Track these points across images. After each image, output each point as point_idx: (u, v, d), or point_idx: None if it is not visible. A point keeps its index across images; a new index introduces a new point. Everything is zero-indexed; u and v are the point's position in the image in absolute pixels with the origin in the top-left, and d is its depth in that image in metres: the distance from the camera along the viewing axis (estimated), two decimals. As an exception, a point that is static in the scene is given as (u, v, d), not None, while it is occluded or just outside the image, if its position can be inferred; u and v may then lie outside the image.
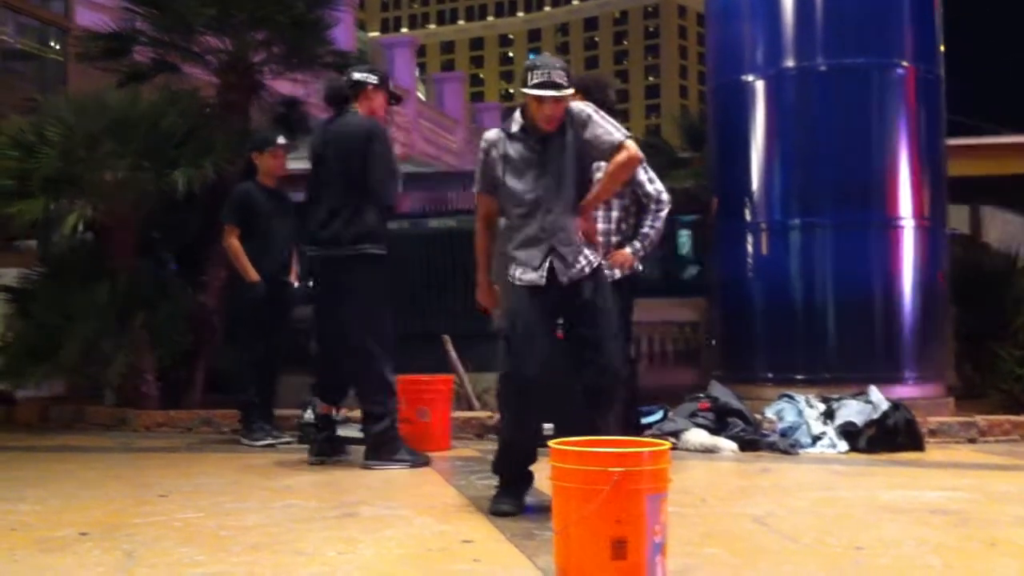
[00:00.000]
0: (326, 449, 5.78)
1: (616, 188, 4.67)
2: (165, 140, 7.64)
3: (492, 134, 4.44)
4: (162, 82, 8.58)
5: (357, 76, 5.82)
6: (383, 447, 5.55)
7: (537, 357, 4.17)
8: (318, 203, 5.65)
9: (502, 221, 4.48)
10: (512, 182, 4.32)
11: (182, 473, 5.45)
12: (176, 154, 7.58)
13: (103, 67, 8.75)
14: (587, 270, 4.30)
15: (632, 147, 4.30)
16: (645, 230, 5.82)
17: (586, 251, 4.31)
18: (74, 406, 7.82)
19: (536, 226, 4.28)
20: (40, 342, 7.45)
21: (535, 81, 4.19)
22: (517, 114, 4.40)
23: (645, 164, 5.73)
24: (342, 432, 6.38)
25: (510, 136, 4.36)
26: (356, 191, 5.56)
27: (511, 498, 4.27)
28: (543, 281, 4.23)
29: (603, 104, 5.80)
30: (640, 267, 5.90)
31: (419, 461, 5.53)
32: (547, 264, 4.25)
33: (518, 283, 4.27)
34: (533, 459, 4.35)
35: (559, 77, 4.17)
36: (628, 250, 5.75)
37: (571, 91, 4.25)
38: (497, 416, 6.68)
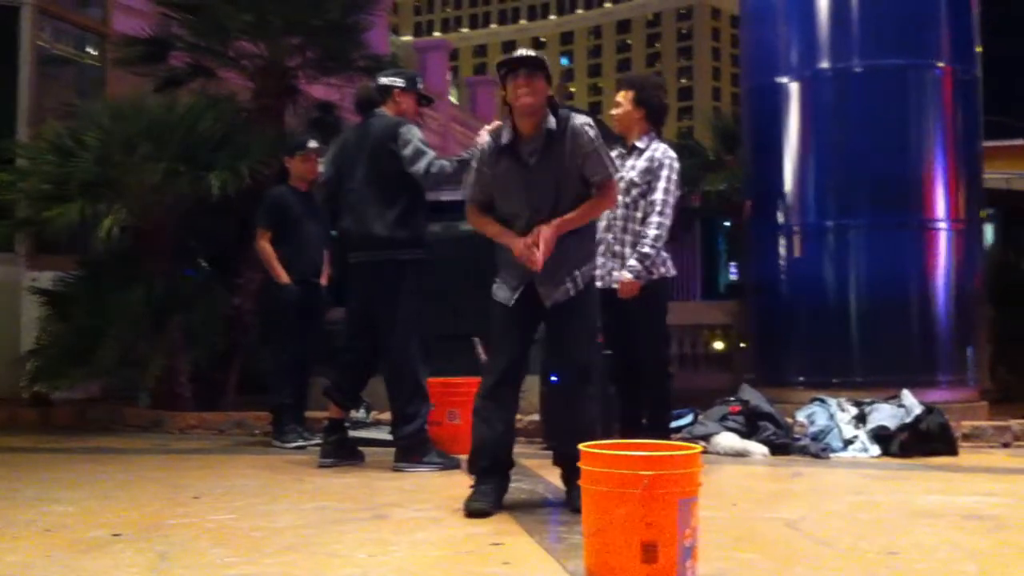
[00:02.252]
0: (336, 452, 5.79)
1: (588, 220, 4.40)
2: (201, 144, 7.72)
3: (483, 142, 4.40)
4: (198, 87, 8.67)
5: (384, 80, 5.83)
6: (414, 449, 5.57)
7: (502, 362, 4.32)
8: (352, 208, 5.65)
9: None
10: (499, 198, 4.32)
11: (215, 475, 5.48)
12: (212, 158, 7.65)
13: (140, 72, 8.85)
14: (572, 292, 4.29)
15: (616, 189, 4.40)
16: (645, 250, 5.45)
17: (576, 273, 4.29)
18: (110, 408, 7.89)
19: (513, 258, 4.26)
20: (77, 345, 7.53)
21: (514, 55, 4.21)
22: (507, 123, 4.34)
23: (674, 167, 5.61)
24: (372, 434, 6.41)
25: (500, 148, 4.29)
26: (394, 192, 5.55)
27: (485, 497, 4.29)
28: (511, 303, 4.30)
29: (656, 106, 5.69)
30: (673, 272, 5.69)
31: (449, 463, 5.54)
32: (522, 288, 4.29)
33: (495, 298, 4.36)
34: (505, 460, 4.44)
35: (535, 57, 4.19)
36: (627, 275, 5.45)
37: (545, 69, 4.20)
38: (527, 418, 6.73)
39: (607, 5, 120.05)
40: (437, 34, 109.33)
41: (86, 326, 7.57)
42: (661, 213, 5.52)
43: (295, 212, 6.69)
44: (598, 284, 5.64)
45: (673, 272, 5.71)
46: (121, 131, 7.71)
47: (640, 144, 5.65)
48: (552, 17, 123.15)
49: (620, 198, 5.54)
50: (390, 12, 27.48)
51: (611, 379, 5.71)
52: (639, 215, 5.57)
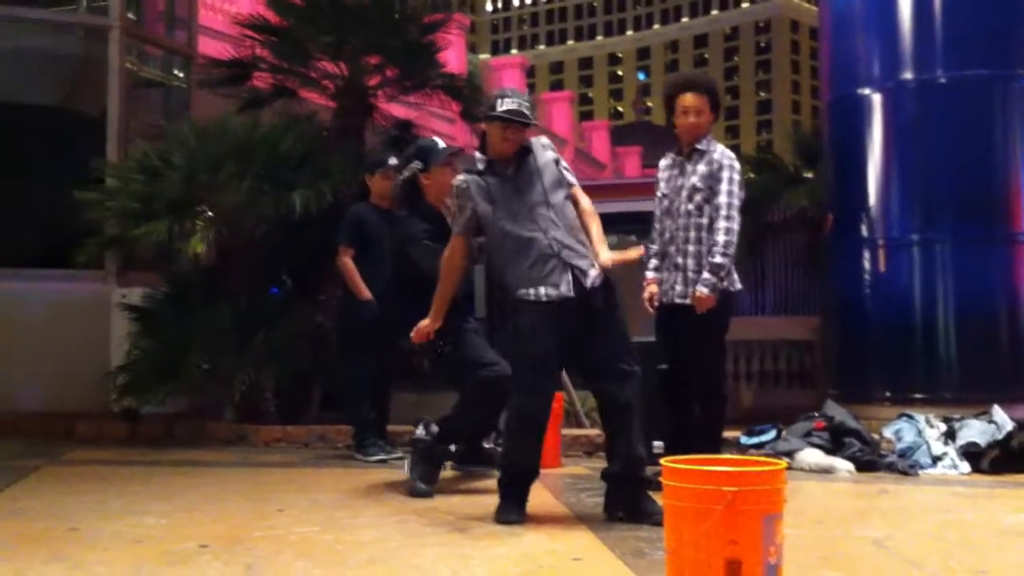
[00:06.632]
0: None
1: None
2: (284, 163, 7.84)
3: (462, 177, 4.65)
4: (281, 107, 8.81)
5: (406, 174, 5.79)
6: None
7: (548, 387, 4.54)
8: None
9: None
10: (496, 212, 4.53)
11: (299, 488, 5.56)
12: (294, 177, 7.76)
13: (224, 94, 9.02)
14: (599, 281, 4.47)
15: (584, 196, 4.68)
16: (717, 260, 5.12)
17: (595, 264, 4.48)
18: (196, 422, 8.02)
19: (541, 246, 4.45)
20: (164, 360, 7.68)
21: (504, 108, 4.49)
22: (477, 154, 4.64)
23: (735, 168, 5.31)
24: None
25: (481, 174, 4.58)
26: None
27: (517, 508, 4.49)
28: (571, 292, 4.39)
29: (719, 108, 5.51)
30: (739, 286, 5.38)
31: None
32: (568, 277, 4.42)
33: (541, 300, 4.41)
34: (535, 476, 4.63)
35: (526, 110, 4.50)
36: (703, 289, 5.12)
37: (535, 123, 4.55)
38: (594, 432, 6.69)
39: (684, 20, 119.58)
40: (514, 51, 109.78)
41: (173, 342, 7.72)
42: (728, 218, 5.18)
43: (376, 230, 6.75)
44: (662, 299, 5.54)
45: (738, 285, 5.38)
46: (207, 151, 7.86)
47: (701, 147, 5.34)
48: (629, 33, 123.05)
49: (682, 206, 5.34)
50: (467, 31, 27.69)
51: (665, 396, 5.45)
52: (704, 221, 5.26)
